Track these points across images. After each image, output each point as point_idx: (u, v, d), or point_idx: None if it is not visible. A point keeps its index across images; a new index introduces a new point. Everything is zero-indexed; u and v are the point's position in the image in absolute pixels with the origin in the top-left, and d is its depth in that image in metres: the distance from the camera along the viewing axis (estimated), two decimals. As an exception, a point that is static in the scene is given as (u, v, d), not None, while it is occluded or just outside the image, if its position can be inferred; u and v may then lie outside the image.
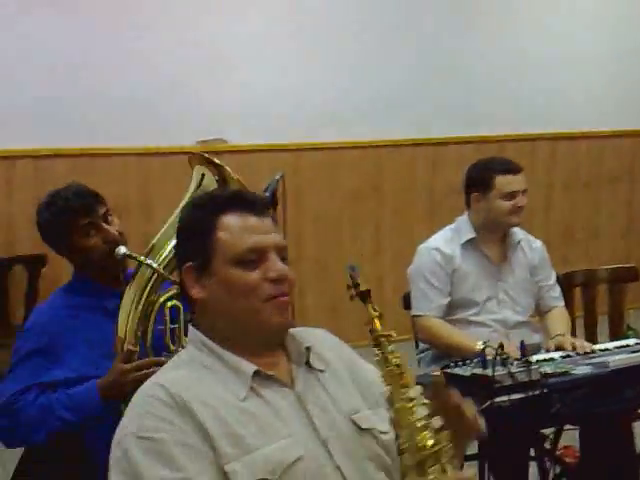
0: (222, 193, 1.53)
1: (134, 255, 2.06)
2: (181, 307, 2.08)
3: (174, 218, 2.12)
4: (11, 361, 2.08)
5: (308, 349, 1.48)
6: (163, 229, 2.13)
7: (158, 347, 2.08)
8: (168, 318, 2.07)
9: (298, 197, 4.73)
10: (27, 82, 4.34)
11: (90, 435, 2.04)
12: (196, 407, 1.31)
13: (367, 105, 5.16)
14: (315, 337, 1.50)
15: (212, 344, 1.41)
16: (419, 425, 1.31)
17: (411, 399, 1.35)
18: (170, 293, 2.10)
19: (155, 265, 2.03)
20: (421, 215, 5.33)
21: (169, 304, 2.10)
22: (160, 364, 1.90)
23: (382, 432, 1.44)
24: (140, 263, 2.03)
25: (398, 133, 5.23)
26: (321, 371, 1.47)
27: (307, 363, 1.47)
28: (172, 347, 2.05)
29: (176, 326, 2.08)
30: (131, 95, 4.57)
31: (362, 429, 1.43)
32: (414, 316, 2.90)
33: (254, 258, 1.40)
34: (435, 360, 2.88)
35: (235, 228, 1.41)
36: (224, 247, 1.40)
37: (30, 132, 4.33)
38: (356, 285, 1.44)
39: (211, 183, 2.16)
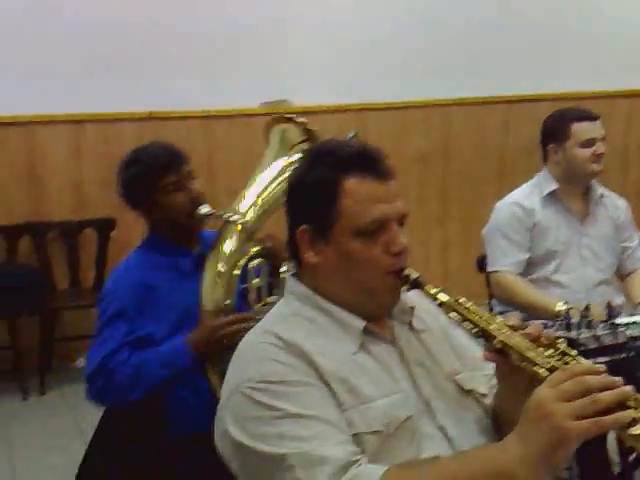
0: (345, 149, 1.36)
1: (219, 213, 2.08)
2: (264, 266, 2.12)
3: (257, 178, 2.20)
4: (96, 325, 2.10)
5: (412, 309, 1.44)
6: (247, 189, 2.16)
7: (240, 305, 2.11)
8: (254, 276, 2.10)
9: None
10: (94, 46, 4.34)
11: (170, 398, 2.06)
12: (313, 355, 1.27)
13: (435, 62, 5.00)
14: (414, 298, 1.44)
15: (319, 299, 1.37)
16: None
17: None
18: (253, 252, 2.13)
19: (241, 222, 2.06)
20: (491, 178, 5.19)
21: (253, 263, 2.13)
22: (248, 319, 1.95)
23: (483, 394, 1.40)
24: (226, 222, 2.06)
25: (468, 91, 5.07)
26: (421, 331, 1.43)
27: (409, 323, 1.43)
28: (256, 306, 2.08)
29: (260, 285, 2.11)
30: (194, 57, 4.55)
31: (465, 390, 1.38)
32: (490, 272, 2.81)
33: (377, 229, 1.32)
34: None
35: (361, 196, 1.31)
36: (348, 217, 1.31)
37: (98, 96, 4.35)
38: (406, 278, 1.36)
39: (295, 137, 2.19)
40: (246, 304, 2.14)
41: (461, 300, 1.33)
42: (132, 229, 4.31)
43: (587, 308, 2.15)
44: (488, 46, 5.10)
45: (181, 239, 2.17)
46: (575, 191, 2.82)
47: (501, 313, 2.84)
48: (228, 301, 2.08)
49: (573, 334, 2.10)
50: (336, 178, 1.32)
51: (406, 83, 4.91)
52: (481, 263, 2.95)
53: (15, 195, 4.30)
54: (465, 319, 1.31)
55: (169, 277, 2.12)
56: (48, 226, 4.32)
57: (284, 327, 1.33)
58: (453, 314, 1.32)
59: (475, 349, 1.41)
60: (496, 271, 2.77)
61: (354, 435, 1.22)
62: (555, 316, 2.29)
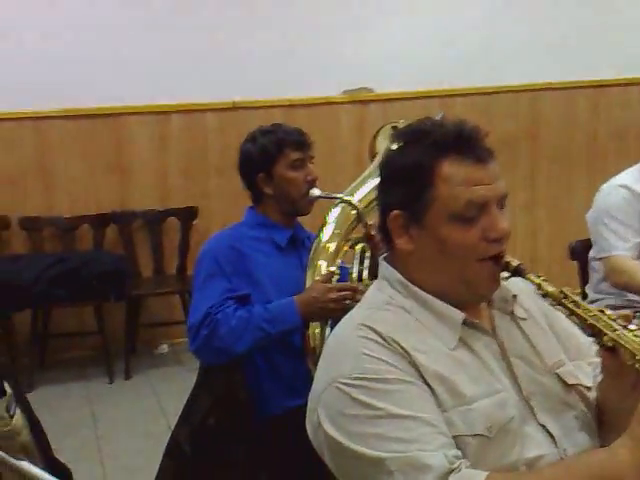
0: (442, 131, 1.28)
1: (332, 195, 2.20)
2: (368, 250, 2.18)
3: (371, 167, 2.31)
4: (194, 283, 2.13)
5: (514, 297, 1.35)
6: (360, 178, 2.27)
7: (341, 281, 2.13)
8: (357, 259, 2.17)
9: None
10: (181, 38, 4.38)
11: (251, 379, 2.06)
12: (411, 351, 1.21)
13: (521, 46, 4.84)
14: (515, 284, 1.36)
15: (415, 288, 1.29)
16: None
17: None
18: (358, 237, 2.21)
19: (354, 203, 2.16)
20: (580, 163, 5.02)
21: (358, 247, 2.21)
22: (356, 291, 2.00)
23: (587, 387, 1.32)
24: (337, 204, 2.17)
25: (556, 75, 4.89)
26: (523, 319, 1.35)
27: (510, 312, 1.35)
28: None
29: (362, 268, 2.17)
30: (275, 46, 4.53)
31: (568, 385, 1.30)
32: (603, 258, 2.69)
33: (474, 213, 1.24)
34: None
35: (457, 179, 1.24)
36: (443, 201, 1.24)
37: (182, 87, 4.40)
38: (507, 265, 1.27)
39: None
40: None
41: (566, 291, 1.24)
42: (213, 218, 4.40)
43: None
44: (576, 29, 4.92)
45: (285, 218, 2.24)
46: None
47: (595, 301, 2.76)
48: (334, 268, 2.11)
49: None
50: (432, 162, 1.25)
51: (492, 68, 4.78)
52: (574, 250, 2.84)
53: (102, 185, 4.40)
54: (572, 313, 1.22)
55: (265, 250, 2.18)
56: (133, 215, 4.41)
57: (379, 319, 1.26)
58: (558, 307, 1.24)
59: (578, 334, 1.32)
60: (610, 256, 2.65)
61: (454, 437, 1.16)
62: None
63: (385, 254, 1.38)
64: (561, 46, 4.88)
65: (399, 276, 1.31)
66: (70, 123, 4.32)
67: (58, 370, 4.18)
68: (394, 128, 2.32)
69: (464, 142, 1.26)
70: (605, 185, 2.76)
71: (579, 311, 1.22)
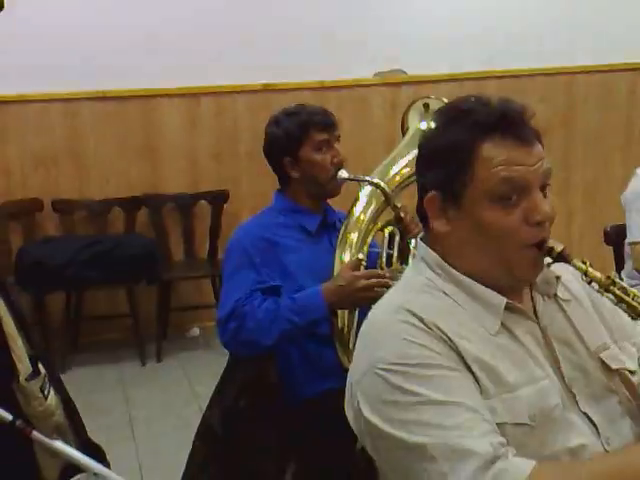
0: (484, 110, 1.21)
1: (360, 177, 2.15)
2: (397, 233, 2.15)
3: (400, 147, 2.26)
4: (223, 273, 2.12)
5: (558, 279, 1.31)
6: (388, 158, 2.23)
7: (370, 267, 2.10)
8: (386, 243, 2.13)
9: None
10: (212, 19, 4.37)
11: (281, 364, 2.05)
12: (452, 336, 1.17)
13: (554, 28, 4.79)
14: (559, 265, 1.31)
15: (454, 271, 1.25)
16: None
17: None
18: (388, 218, 2.16)
19: (382, 186, 2.11)
20: (617, 147, 4.94)
21: (387, 230, 2.17)
22: (384, 277, 1.96)
23: (631, 372, 1.28)
24: (367, 185, 2.14)
25: (591, 58, 4.80)
26: (567, 301, 1.31)
27: (554, 295, 1.31)
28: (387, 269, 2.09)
29: (391, 252, 2.13)
30: (305, 29, 4.51)
31: (611, 370, 1.26)
32: (632, 243, 2.65)
33: (515, 195, 1.19)
34: None
35: (498, 160, 1.18)
36: (482, 182, 1.19)
37: (213, 70, 4.38)
38: (550, 250, 1.22)
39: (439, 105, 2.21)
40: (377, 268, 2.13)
41: (614, 277, 1.20)
42: (244, 202, 4.39)
43: None
44: (612, 12, 4.83)
45: (313, 201, 2.19)
46: None
47: (637, 285, 2.67)
48: (361, 255, 2.07)
49: None
50: (472, 143, 1.20)
51: (527, 49, 4.72)
52: (609, 235, 2.78)
53: (133, 168, 4.41)
54: (620, 300, 1.19)
55: (295, 236, 2.14)
56: (164, 198, 4.41)
57: (419, 303, 1.22)
58: (606, 294, 1.20)
59: (622, 314, 1.27)
60: (638, 242, 2.62)
61: (497, 424, 1.13)
62: None
63: (422, 235, 1.34)
64: (596, 29, 4.80)
65: (438, 258, 1.27)
66: (101, 105, 4.34)
67: (91, 352, 4.21)
68: (425, 106, 2.28)
69: (508, 123, 1.20)
70: None
71: (627, 298, 1.18)
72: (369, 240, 2.14)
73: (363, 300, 1.93)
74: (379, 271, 2.03)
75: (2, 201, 4.20)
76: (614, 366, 1.27)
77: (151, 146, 4.43)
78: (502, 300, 1.23)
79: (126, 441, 3.25)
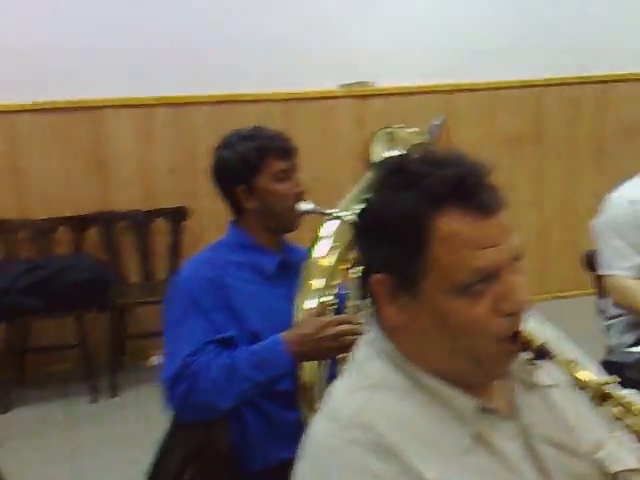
0: (438, 175, 0.99)
1: (323, 210, 1.93)
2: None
3: (366, 177, 2.04)
4: (166, 322, 1.85)
5: (538, 362, 1.07)
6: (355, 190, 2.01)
7: (337, 312, 1.87)
8: (356, 284, 1.85)
9: (451, 142, 4.32)
10: (165, 30, 4.18)
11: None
12: (411, 457, 0.96)
13: (526, 40, 4.72)
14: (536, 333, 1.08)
15: (412, 369, 1.03)
16: None
17: None
18: (357, 255, 1.87)
19: (350, 218, 1.86)
20: (588, 159, 4.95)
21: (358, 268, 1.85)
22: (354, 323, 1.72)
23: (632, 470, 1.05)
24: (334, 217, 1.91)
25: (560, 70, 4.77)
26: (551, 388, 1.08)
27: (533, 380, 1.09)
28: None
29: (363, 294, 1.84)
30: (270, 39, 4.33)
31: (612, 473, 1.05)
32: (604, 275, 2.53)
33: (483, 282, 0.98)
34: (629, 329, 2.52)
35: (460, 240, 0.97)
36: (442, 268, 0.98)
37: (169, 80, 4.17)
38: (526, 344, 1.01)
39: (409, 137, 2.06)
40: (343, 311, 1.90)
41: (609, 388, 0.97)
42: (205, 218, 4.13)
43: None
44: (580, 24, 4.81)
45: (270, 235, 1.96)
46: None
47: (615, 317, 2.57)
48: (328, 298, 1.85)
49: None
50: (426, 216, 0.98)
51: (496, 63, 4.67)
52: (588, 260, 2.66)
53: (81, 184, 4.15)
54: (619, 418, 0.97)
55: (250, 277, 1.90)
56: (116, 216, 4.15)
57: (370, 408, 1.00)
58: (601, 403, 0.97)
59: None
60: (612, 275, 2.49)
61: None
62: None
63: (371, 313, 1.09)
64: (565, 41, 4.78)
65: (393, 351, 1.05)
66: (43, 117, 4.06)
67: (37, 387, 3.86)
68: (389, 134, 2.07)
69: (469, 189, 0.98)
70: (615, 194, 2.57)
71: (627, 418, 0.96)
72: (336, 281, 1.91)
73: (332, 351, 1.71)
74: (349, 316, 1.78)
75: None
76: (614, 469, 1.04)
77: (100, 160, 4.18)
78: (472, 405, 1.02)
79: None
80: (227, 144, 1.96)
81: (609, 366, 2.47)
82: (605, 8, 4.82)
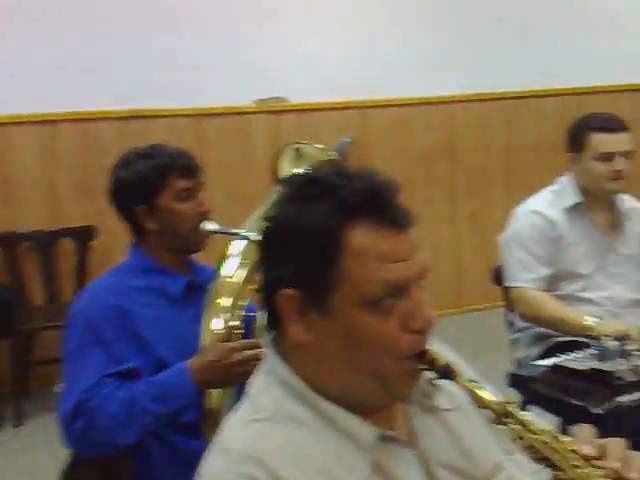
0: (350, 188, 0.98)
1: (229, 230, 1.86)
2: None
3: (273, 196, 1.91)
4: (64, 354, 1.76)
5: (435, 386, 1.07)
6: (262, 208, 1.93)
7: (245, 335, 1.82)
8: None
9: (365, 159, 4.43)
10: (68, 42, 4.05)
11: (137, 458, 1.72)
12: None
13: (437, 58, 4.82)
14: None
15: (312, 395, 1.01)
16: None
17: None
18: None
19: (256, 238, 1.76)
20: (498, 175, 5.05)
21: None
22: (261, 347, 1.62)
23: None
24: (241, 237, 1.85)
25: (470, 88, 4.87)
26: (449, 411, 1.08)
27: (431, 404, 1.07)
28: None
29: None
30: (180, 53, 4.26)
31: None
32: (509, 287, 2.57)
33: (392, 297, 0.97)
34: (535, 341, 2.57)
35: (372, 253, 0.96)
36: (352, 282, 0.96)
37: (73, 94, 4.04)
38: (431, 362, 1.01)
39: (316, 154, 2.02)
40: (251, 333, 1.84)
41: (510, 406, 0.97)
42: (113, 237, 3.98)
43: (623, 337, 1.93)
44: (490, 42, 4.95)
45: (174, 257, 1.88)
46: (599, 202, 2.59)
47: (523, 329, 2.62)
48: (235, 322, 1.79)
49: (607, 365, 1.87)
50: (337, 229, 0.97)
51: (408, 80, 4.73)
52: (497, 275, 2.70)
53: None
54: (518, 437, 0.96)
55: (154, 303, 1.81)
56: (20, 237, 3.99)
57: (262, 441, 0.97)
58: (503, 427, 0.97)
59: None
60: (517, 287, 2.53)
61: None
62: (584, 331, 2.20)
63: (272, 337, 1.06)
64: (475, 58, 4.89)
65: (292, 377, 1.02)
66: None
67: None
68: (297, 150, 2.03)
69: (381, 203, 0.98)
70: (519, 208, 2.63)
71: (528, 437, 0.95)
72: (244, 303, 1.84)
73: (238, 376, 1.65)
74: (255, 341, 1.73)
75: None
76: None
77: (3, 178, 4.01)
78: (372, 434, 1.00)
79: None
80: (124, 163, 1.88)
81: (516, 379, 2.54)
82: (517, 25, 4.94)
